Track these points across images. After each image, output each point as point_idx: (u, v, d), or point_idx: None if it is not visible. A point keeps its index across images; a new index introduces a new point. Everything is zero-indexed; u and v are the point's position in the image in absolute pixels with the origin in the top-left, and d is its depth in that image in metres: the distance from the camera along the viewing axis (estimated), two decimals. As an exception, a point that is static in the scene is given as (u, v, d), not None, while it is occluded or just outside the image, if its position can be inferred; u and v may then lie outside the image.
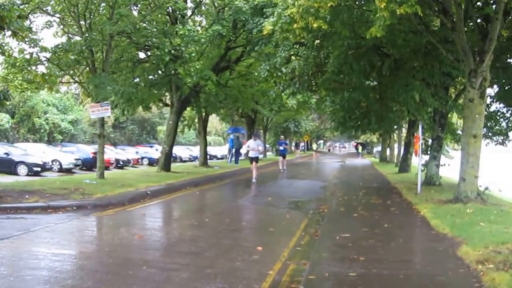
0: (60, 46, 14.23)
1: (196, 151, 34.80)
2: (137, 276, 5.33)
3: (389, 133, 30.76)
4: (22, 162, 18.60)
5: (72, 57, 14.81)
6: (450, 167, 16.46)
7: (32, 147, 22.72)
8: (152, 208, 11.00)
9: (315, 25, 9.39)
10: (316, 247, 6.94)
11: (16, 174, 17.90)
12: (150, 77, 19.65)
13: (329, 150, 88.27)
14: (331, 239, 7.51)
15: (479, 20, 11.20)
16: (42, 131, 34.71)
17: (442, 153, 18.15)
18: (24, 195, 10.43)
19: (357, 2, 10.97)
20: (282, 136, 31.66)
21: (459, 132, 18.77)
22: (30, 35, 12.79)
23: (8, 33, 10.52)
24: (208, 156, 28.35)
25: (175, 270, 5.57)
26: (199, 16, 21.30)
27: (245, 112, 32.56)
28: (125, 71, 18.51)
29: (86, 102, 36.71)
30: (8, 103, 17.99)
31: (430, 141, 16.55)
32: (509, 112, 17.09)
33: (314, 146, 73.59)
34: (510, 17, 10.50)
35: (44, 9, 14.63)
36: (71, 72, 16.57)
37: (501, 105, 16.68)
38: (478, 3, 11.48)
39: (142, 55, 19.89)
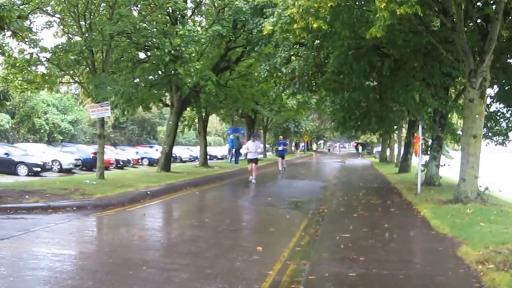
0: (60, 47, 14.23)
1: (196, 151, 34.80)
2: (137, 276, 5.33)
3: (389, 133, 30.75)
4: (22, 163, 18.60)
5: (72, 57, 14.80)
6: (450, 167, 16.45)
7: (32, 147, 22.72)
8: (152, 208, 11.00)
9: (315, 25, 9.39)
10: (316, 247, 6.95)
11: (16, 174, 17.90)
12: (150, 77, 19.66)
13: (329, 150, 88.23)
14: (331, 239, 7.50)
15: (479, 20, 11.20)
16: (42, 131, 34.71)
17: (442, 153, 18.14)
18: (24, 195, 10.43)
19: (357, 2, 10.98)
20: (281, 136, 31.62)
21: (459, 132, 18.77)
22: (30, 35, 12.78)
23: (8, 33, 10.51)
24: (208, 156, 28.36)
25: (175, 270, 5.57)
26: (199, 16, 21.30)
27: (245, 112, 32.55)
28: (125, 71, 18.51)
29: (86, 102, 36.74)
30: (8, 103, 17.99)
31: (430, 141, 16.53)
32: (509, 112, 17.08)
33: (314, 147, 73.59)
34: (510, 17, 10.49)
35: (44, 9, 14.62)
36: (71, 72, 16.57)
37: (501, 105, 16.67)
38: (478, 3, 11.47)
39: (142, 55, 19.89)
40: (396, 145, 36.05)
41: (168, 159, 20.19)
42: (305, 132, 54.48)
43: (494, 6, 10.30)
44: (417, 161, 15.08)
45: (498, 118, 17.32)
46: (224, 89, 21.63)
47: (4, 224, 8.00)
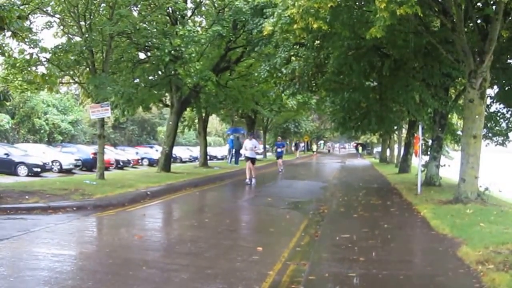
0: (60, 47, 14.23)
1: (196, 151, 34.82)
2: (137, 277, 5.33)
3: (389, 133, 30.76)
4: (22, 163, 18.61)
5: (72, 57, 14.79)
6: (450, 168, 16.45)
7: (32, 147, 22.74)
8: (152, 208, 10.99)
9: (315, 26, 9.40)
10: (316, 248, 6.94)
11: (16, 174, 17.91)
12: (150, 77, 19.66)
13: (328, 151, 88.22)
14: (331, 240, 7.50)
15: (479, 21, 11.20)
16: (42, 131, 34.71)
17: (442, 153, 18.15)
18: (24, 196, 10.43)
19: (357, 3, 10.98)
20: (279, 137, 31.42)
21: (459, 132, 18.78)
22: (30, 35, 12.78)
23: (8, 33, 10.51)
24: (208, 157, 28.36)
25: (175, 270, 5.56)
26: (199, 16, 21.30)
27: (245, 112, 32.56)
28: (125, 72, 18.52)
29: (86, 102, 36.74)
30: (8, 103, 18.01)
31: (430, 141, 16.54)
32: (509, 112, 17.09)
33: (314, 147, 73.56)
34: (510, 18, 10.50)
35: (44, 9, 14.62)
36: (71, 72, 16.55)
37: (501, 105, 16.68)
38: (478, 4, 11.47)
39: (142, 55, 19.89)
40: (396, 146, 36.07)
41: (168, 159, 20.19)
42: (305, 133, 54.49)
43: (494, 7, 10.31)
44: (417, 161, 15.08)
45: (498, 118, 17.33)
46: (224, 90, 21.64)
47: (4, 225, 7.99)
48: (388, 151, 38.88)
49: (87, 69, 15.98)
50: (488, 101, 15.40)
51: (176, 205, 12.28)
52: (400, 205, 11.73)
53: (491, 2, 10.68)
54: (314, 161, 44.23)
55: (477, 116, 10.57)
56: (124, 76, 18.46)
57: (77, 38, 15.43)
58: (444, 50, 11.39)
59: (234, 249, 6.95)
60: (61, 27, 16.31)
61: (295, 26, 9.87)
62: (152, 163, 28.95)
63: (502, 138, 18.25)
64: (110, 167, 22.63)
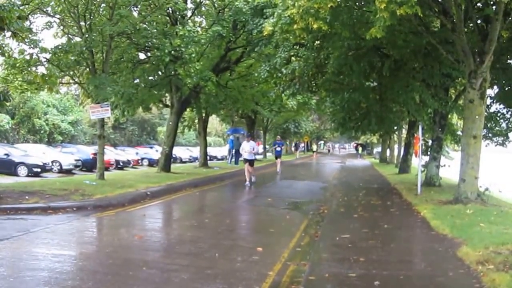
0: (60, 47, 14.22)
1: (196, 152, 34.81)
2: (137, 277, 5.33)
3: (389, 134, 30.75)
4: (22, 163, 18.60)
5: (72, 58, 14.79)
6: (450, 168, 16.46)
7: (32, 148, 22.73)
8: (152, 209, 10.99)
9: (315, 26, 9.40)
10: (316, 248, 6.94)
11: (16, 175, 17.90)
12: (150, 78, 19.66)
13: (328, 151, 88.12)
14: (331, 240, 7.50)
15: (479, 21, 11.21)
16: (42, 132, 34.70)
17: (442, 154, 18.15)
18: (24, 196, 10.43)
19: (357, 3, 10.98)
20: (278, 137, 31.38)
21: (459, 133, 18.78)
22: (30, 36, 12.79)
23: (8, 34, 10.52)
24: (208, 157, 28.35)
25: (175, 271, 5.56)
26: (199, 17, 21.30)
27: (245, 113, 32.57)
28: (125, 72, 18.52)
29: (86, 103, 36.69)
30: (8, 104, 17.98)
31: (430, 142, 16.55)
32: (509, 113, 17.10)
33: (314, 147, 73.54)
34: (510, 18, 10.51)
35: (44, 10, 14.62)
36: (71, 73, 16.55)
37: (501, 106, 16.69)
38: (478, 4, 11.48)
39: (142, 56, 19.90)
40: (396, 146, 36.09)
41: (168, 159, 20.19)
42: (305, 133, 54.47)
43: (494, 7, 10.32)
44: (417, 161, 15.08)
45: (498, 118, 17.34)
46: (224, 90, 21.64)
47: (4, 225, 7.99)
48: (388, 151, 38.89)
49: (87, 69, 16.00)
50: (488, 101, 15.43)
51: (176, 206, 12.28)
52: (400, 205, 11.73)
53: (491, 3, 10.69)
54: (314, 162, 44.23)
55: (477, 117, 10.58)
56: (124, 76, 18.46)
57: (77, 39, 15.44)
58: (444, 51, 11.40)
59: (234, 249, 6.95)
60: (61, 27, 16.32)
61: (295, 26, 9.87)
62: (152, 163, 28.95)
63: (502, 138, 18.26)
64: (110, 168, 22.63)
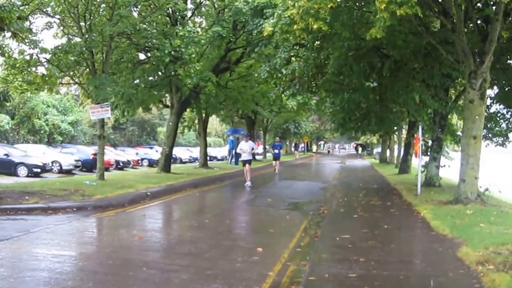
0: (60, 47, 14.23)
1: (196, 152, 34.82)
2: (137, 277, 5.33)
3: (389, 134, 30.75)
4: (22, 163, 18.60)
5: (72, 58, 14.79)
6: (450, 168, 16.46)
7: (32, 148, 22.74)
8: (152, 209, 10.99)
9: (315, 26, 9.40)
10: (316, 248, 6.94)
11: (16, 175, 17.90)
12: (150, 78, 19.65)
13: (328, 151, 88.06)
14: (331, 240, 7.51)
15: (479, 21, 11.21)
16: (42, 132, 34.71)
17: (442, 154, 18.15)
18: (24, 196, 10.42)
19: (357, 3, 10.98)
20: (277, 138, 31.29)
21: (459, 133, 18.77)
22: (30, 36, 12.77)
23: (8, 34, 10.52)
24: (208, 158, 28.36)
25: (175, 271, 5.56)
26: (199, 17, 21.30)
27: (245, 113, 32.57)
28: (125, 72, 18.52)
29: (86, 103, 36.58)
30: (8, 104, 18.02)
31: (430, 142, 16.54)
32: (509, 113, 17.09)
33: (314, 148, 73.55)
34: (510, 18, 10.50)
35: (44, 10, 14.62)
36: (71, 73, 16.55)
37: (501, 106, 16.68)
38: (478, 4, 11.48)
39: (142, 56, 19.90)
40: (396, 146, 36.07)
41: (168, 160, 20.19)
42: (305, 133, 54.46)
43: (494, 7, 10.32)
44: (417, 162, 15.07)
45: (498, 119, 17.33)
46: (224, 90, 21.64)
47: (4, 225, 7.99)
48: (388, 151, 38.88)
49: (87, 69, 15.99)
50: (488, 101, 15.41)
51: (176, 206, 12.27)
52: (400, 205, 11.73)
53: (491, 3, 10.69)
54: (314, 162, 44.22)
55: (477, 117, 10.58)
56: (124, 76, 18.47)
57: (77, 39, 15.45)
58: (444, 51, 11.40)
59: (234, 249, 6.95)
60: (61, 27, 16.33)
61: (295, 26, 9.88)
62: (152, 163, 28.94)
63: (502, 138, 18.25)
64: (110, 168, 22.62)
